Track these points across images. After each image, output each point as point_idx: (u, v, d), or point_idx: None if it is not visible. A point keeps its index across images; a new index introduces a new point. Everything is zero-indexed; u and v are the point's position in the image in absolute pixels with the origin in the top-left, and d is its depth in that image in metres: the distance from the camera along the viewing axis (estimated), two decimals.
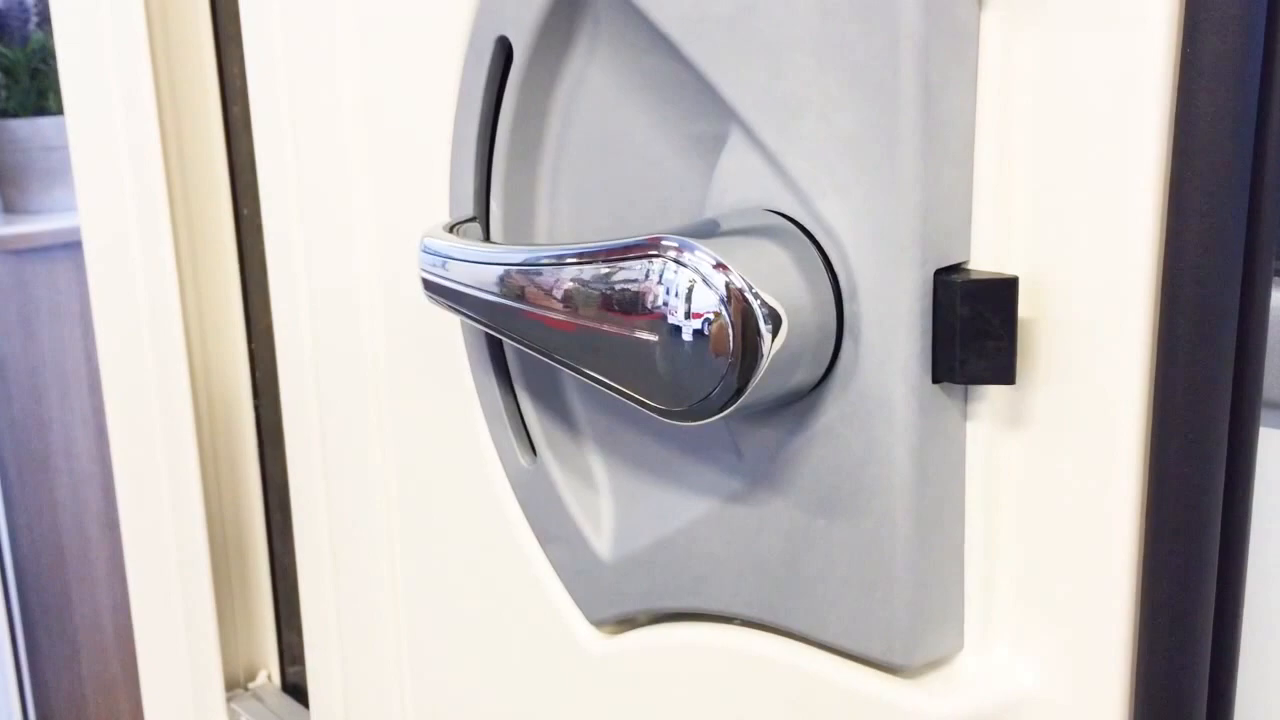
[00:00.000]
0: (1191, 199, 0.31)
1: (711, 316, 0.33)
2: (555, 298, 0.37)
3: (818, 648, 0.38)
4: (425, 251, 0.44)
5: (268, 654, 0.82)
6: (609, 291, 0.35)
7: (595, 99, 0.42)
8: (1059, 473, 0.34)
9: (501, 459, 0.49)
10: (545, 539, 0.47)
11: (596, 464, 0.46)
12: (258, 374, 0.77)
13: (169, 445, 0.76)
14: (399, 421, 0.55)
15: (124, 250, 0.75)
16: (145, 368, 0.76)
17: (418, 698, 0.59)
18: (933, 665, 0.37)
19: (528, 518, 0.48)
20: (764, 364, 0.33)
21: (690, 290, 0.33)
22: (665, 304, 0.34)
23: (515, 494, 0.48)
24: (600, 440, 0.46)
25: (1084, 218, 0.32)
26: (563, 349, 0.38)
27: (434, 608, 0.56)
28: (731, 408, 0.34)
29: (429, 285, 0.44)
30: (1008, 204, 0.33)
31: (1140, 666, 0.34)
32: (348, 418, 0.59)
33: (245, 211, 0.74)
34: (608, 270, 0.36)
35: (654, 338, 0.34)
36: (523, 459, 0.47)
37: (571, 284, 0.37)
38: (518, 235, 0.45)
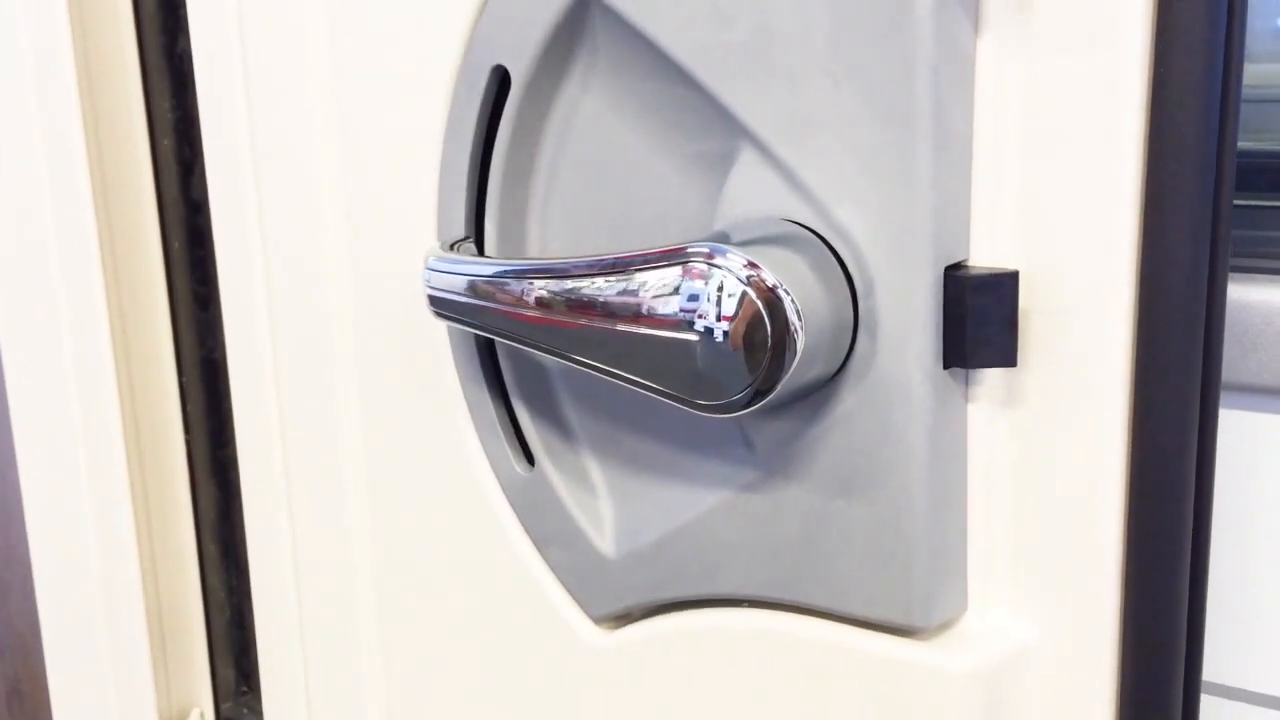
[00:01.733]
0: (1165, 199, 0.35)
1: (746, 314, 0.36)
2: (587, 306, 0.40)
3: (833, 619, 0.41)
4: (433, 270, 0.45)
5: (200, 692, 0.81)
6: (643, 297, 0.38)
7: (590, 122, 0.45)
8: (1050, 445, 0.38)
9: (494, 468, 0.51)
10: (543, 543, 0.50)
11: (593, 468, 0.48)
12: (188, 408, 0.77)
13: (96, 483, 0.75)
14: (378, 441, 0.56)
15: (47, 282, 0.74)
16: (70, 406, 0.75)
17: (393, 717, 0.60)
18: (941, 628, 0.40)
19: (523, 524, 0.50)
20: (798, 356, 0.36)
21: (724, 291, 0.36)
22: (700, 306, 0.37)
23: (510, 501, 0.50)
24: (596, 445, 0.48)
25: (1070, 217, 0.37)
26: (595, 355, 0.40)
27: (420, 628, 0.57)
28: (767, 398, 0.37)
29: (437, 302, 0.46)
30: (1001, 206, 0.38)
31: (1128, 616, 0.38)
32: (315, 444, 0.60)
33: (174, 245, 0.74)
34: (641, 277, 0.38)
35: (691, 338, 0.37)
36: (518, 467, 0.49)
37: (604, 292, 0.39)
38: (512, 253, 0.48)
